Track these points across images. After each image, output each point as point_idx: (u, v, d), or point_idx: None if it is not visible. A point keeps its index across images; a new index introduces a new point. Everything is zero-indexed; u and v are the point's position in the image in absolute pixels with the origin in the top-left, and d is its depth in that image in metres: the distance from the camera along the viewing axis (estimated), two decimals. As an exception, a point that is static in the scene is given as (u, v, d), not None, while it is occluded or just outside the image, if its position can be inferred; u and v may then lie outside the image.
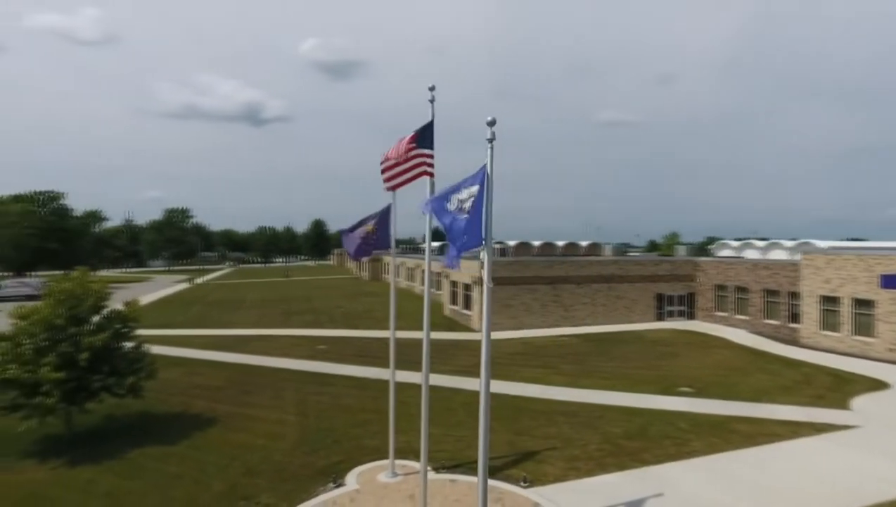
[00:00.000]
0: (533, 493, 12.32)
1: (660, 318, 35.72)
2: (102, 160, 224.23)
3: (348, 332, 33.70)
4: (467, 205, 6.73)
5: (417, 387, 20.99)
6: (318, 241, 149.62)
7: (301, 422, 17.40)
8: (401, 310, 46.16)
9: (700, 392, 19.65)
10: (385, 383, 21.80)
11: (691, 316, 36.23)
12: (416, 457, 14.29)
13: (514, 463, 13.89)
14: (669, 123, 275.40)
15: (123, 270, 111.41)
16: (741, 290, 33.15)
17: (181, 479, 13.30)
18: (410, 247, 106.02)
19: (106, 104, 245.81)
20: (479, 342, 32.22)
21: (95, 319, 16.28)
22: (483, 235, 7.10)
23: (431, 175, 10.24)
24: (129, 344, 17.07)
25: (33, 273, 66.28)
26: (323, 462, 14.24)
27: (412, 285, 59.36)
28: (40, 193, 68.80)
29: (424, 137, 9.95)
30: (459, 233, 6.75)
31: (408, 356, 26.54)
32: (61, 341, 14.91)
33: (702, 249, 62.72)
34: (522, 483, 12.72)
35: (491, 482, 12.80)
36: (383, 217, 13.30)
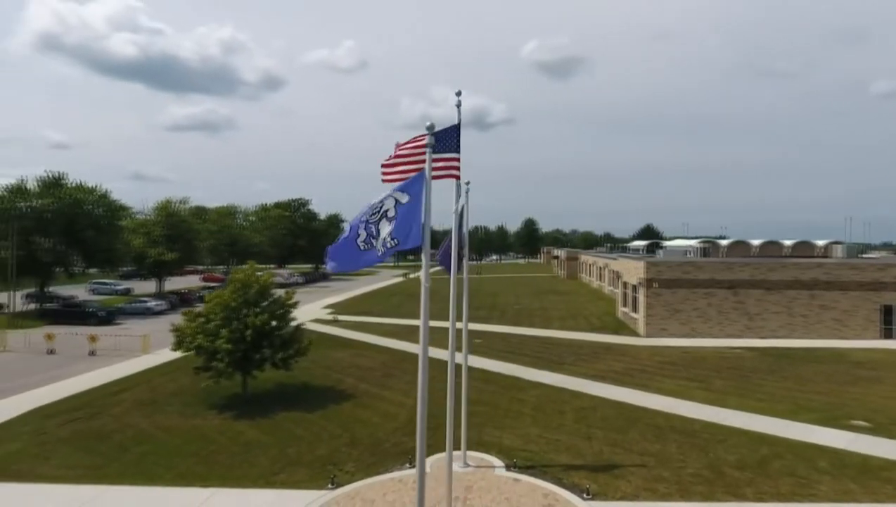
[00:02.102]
0: (589, 506, 11.78)
1: (888, 335, 28.67)
2: (354, 168, 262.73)
3: (510, 328, 34.53)
4: (391, 209, 7.21)
5: (545, 386, 21.04)
6: (529, 239, 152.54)
7: (412, 408, 18.93)
8: (577, 310, 45.68)
9: (878, 429, 15.77)
10: (514, 379, 22.32)
11: (939, 336, 28.30)
12: (500, 453, 14.71)
13: (590, 473, 13.30)
14: None
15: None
16: None
17: (300, 440, 15.88)
18: (616, 245, 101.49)
19: (358, 121, 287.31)
20: (637, 348, 30.75)
21: (265, 303, 20.16)
22: (419, 238, 7.47)
23: (458, 177, 10.64)
24: (292, 325, 20.70)
25: (287, 266, 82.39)
26: (413, 444, 15.42)
27: (601, 284, 57.29)
28: (294, 200, 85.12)
29: (450, 140, 10.37)
30: (373, 235, 7.25)
31: (551, 355, 26.45)
32: (234, 319, 18.90)
33: None
34: (584, 495, 12.21)
35: (550, 486, 12.65)
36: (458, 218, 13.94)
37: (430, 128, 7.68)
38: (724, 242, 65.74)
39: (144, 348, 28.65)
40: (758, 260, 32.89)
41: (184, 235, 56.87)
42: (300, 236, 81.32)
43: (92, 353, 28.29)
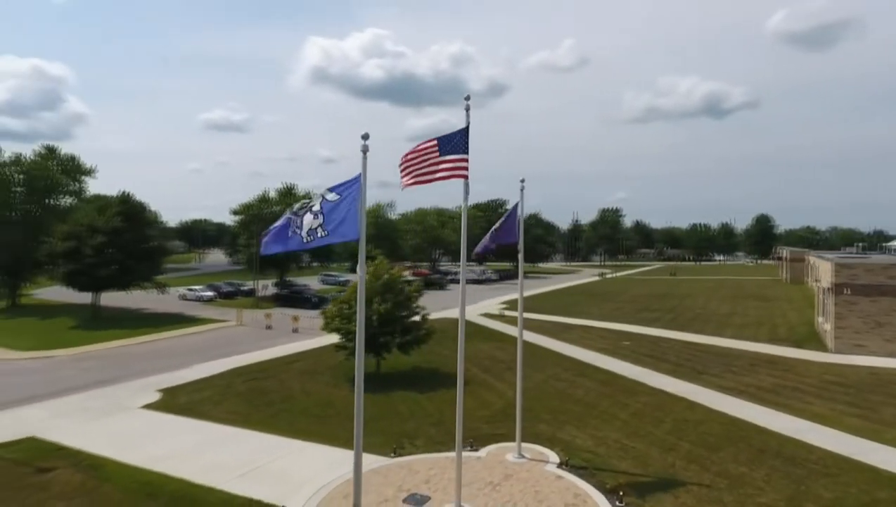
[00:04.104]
0: (616, 512, 11.38)
1: None
2: (573, 168, 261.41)
3: (671, 333, 31.97)
4: (316, 206, 8.45)
5: (662, 394, 19.66)
6: (763, 238, 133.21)
7: (512, 399, 19.51)
8: (769, 318, 40.61)
9: None
10: (636, 383, 21.24)
11: None
12: (564, 450, 14.77)
13: (641, 483, 12.66)
14: None
15: (566, 263, 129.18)
16: None
17: (397, 415, 17.93)
18: (876, 245, 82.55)
19: (577, 119, 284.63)
20: (809, 364, 27.26)
21: (397, 295, 22.80)
22: (354, 233, 8.59)
23: (465, 177, 11.28)
24: (416, 317, 23.00)
25: (485, 263, 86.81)
26: (487, 432, 16.35)
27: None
28: (492, 200, 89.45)
29: (458, 142, 11.10)
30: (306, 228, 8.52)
31: (696, 364, 24.06)
32: (365, 306, 21.86)
33: None
34: (617, 502, 11.76)
35: (587, 488, 12.60)
36: (512, 214, 14.44)
37: (365, 136, 8.77)
38: None
39: (329, 329, 34.11)
40: None
41: (389, 235, 64.64)
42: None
43: (295, 330, 34.69)
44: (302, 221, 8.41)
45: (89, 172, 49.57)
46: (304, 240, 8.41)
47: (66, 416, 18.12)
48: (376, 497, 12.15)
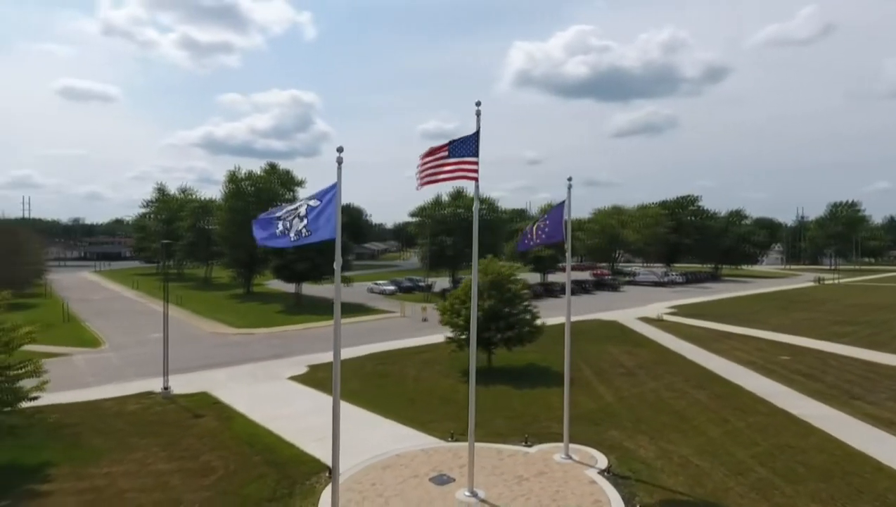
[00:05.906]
0: (625, 522, 11.01)
1: None
2: (813, 155, 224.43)
3: (853, 350, 26.79)
4: (302, 211, 9.91)
5: (782, 415, 17.30)
6: None
7: (604, 404, 19.00)
8: None
9: None
10: (760, 402, 18.89)
11: None
12: (619, 458, 14.39)
13: (679, 500, 11.91)
14: None
15: (785, 266, 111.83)
16: None
17: (479, 407, 18.81)
18: None
19: (817, 98, 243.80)
20: None
21: (507, 294, 23.65)
22: (332, 232, 9.93)
23: (473, 179, 11.85)
24: (526, 315, 23.52)
25: (671, 265, 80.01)
26: (556, 431, 16.40)
27: None
28: (681, 197, 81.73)
29: (468, 146, 11.76)
30: (296, 226, 10.02)
31: (854, 387, 20.18)
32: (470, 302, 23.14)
33: None
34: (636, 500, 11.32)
35: (614, 495, 12.37)
36: (556, 212, 14.42)
37: (340, 149, 10.07)
38: None
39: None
40: None
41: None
42: (688, 235, 78.13)
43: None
44: (291, 224, 10.13)
45: (300, 184, 59.29)
46: (293, 239, 10.09)
47: (235, 379, 22.89)
48: (409, 472, 13.49)
